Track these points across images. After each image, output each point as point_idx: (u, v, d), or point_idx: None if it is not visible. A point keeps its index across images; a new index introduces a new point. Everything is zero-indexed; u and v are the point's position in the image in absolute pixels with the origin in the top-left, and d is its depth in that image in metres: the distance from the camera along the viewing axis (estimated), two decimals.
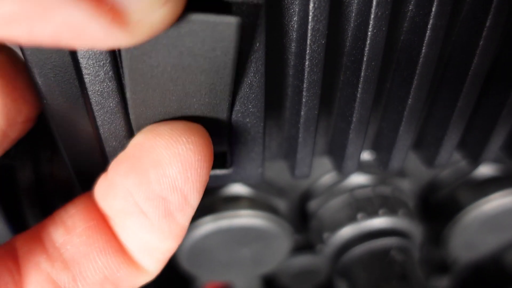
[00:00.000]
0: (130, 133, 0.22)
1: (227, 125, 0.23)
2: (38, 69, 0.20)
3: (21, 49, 0.19)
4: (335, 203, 0.35)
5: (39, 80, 0.20)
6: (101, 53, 0.19)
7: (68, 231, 0.20)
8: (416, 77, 0.23)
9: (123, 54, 0.18)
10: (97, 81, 0.20)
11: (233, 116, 0.22)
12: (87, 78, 0.20)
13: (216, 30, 0.17)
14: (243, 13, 0.19)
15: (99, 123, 0.22)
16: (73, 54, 0.20)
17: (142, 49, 0.18)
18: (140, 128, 0.22)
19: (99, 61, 0.20)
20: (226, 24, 0.17)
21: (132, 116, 0.21)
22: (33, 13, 0.13)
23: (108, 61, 0.20)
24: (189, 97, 0.20)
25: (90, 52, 0.19)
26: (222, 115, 0.22)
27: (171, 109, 0.21)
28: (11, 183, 0.28)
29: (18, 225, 0.28)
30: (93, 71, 0.20)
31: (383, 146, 0.27)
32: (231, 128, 0.23)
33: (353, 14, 0.21)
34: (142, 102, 0.20)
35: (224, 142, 0.24)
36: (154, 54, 0.18)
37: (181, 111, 0.21)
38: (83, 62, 0.20)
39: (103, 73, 0.20)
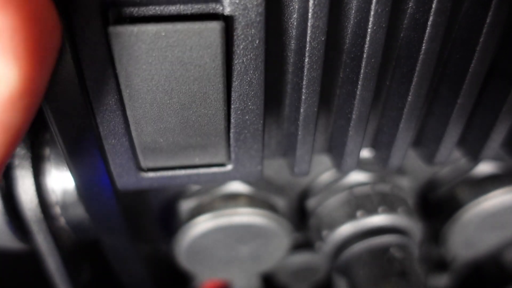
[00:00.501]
0: (129, 132, 0.22)
1: (226, 137, 0.23)
2: None
3: None
4: (334, 201, 0.35)
5: None
6: (102, 51, 0.19)
7: None
8: (416, 74, 0.23)
9: (118, 70, 0.19)
10: (96, 79, 0.20)
11: (232, 113, 0.22)
12: (86, 75, 0.20)
13: (202, 36, 0.18)
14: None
15: (98, 120, 0.22)
16: (74, 52, 0.19)
17: (136, 62, 0.18)
18: (144, 145, 0.22)
19: (98, 58, 0.20)
20: (210, 29, 0.18)
21: (134, 133, 0.22)
22: None
23: (107, 58, 0.20)
24: (186, 109, 0.21)
25: (90, 49, 0.19)
26: (220, 127, 0.22)
27: (170, 123, 0.21)
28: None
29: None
30: (93, 68, 0.20)
31: (382, 144, 0.27)
32: (230, 126, 0.23)
33: (353, 11, 0.21)
34: (142, 117, 0.21)
35: (224, 156, 0.24)
36: (146, 66, 0.19)
37: (180, 125, 0.21)
38: (82, 58, 0.20)
39: (102, 70, 0.20)
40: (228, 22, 0.19)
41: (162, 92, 0.20)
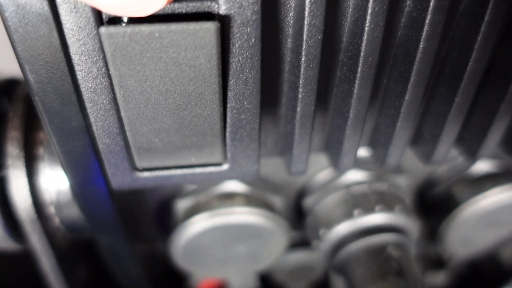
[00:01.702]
0: (123, 131, 0.22)
1: (222, 137, 0.23)
2: (29, 66, 0.19)
3: (13, 45, 0.19)
4: (332, 200, 0.35)
5: (31, 77, 0.20)
6: (93, 49, 0.19)
7: None
8: (413, 73, 0.22)
9: (112, 71, 0.19)
10: (90, 78, 0.20)
11: (228, 113, 0.22)
12: (79, 75, 0.20)
13: (197, 36, 0.18)
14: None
15: (92, 120, 0.22)
16: (65, 50, 0.19)
17: (130, 63, 0.18)
18: (138, 145, 0.22)
19: (92, 58, 0.20)
20: (205, 30, 0.18)
21: (128, 134, 0.22)
22: None
23: (101, 58, 0.19)
24: (181, 110, 0.21)
25: (83, 49, 0.19)
26: (216, 127, 0.22)
27: (165, 124, 0.21)
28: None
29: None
30: (86, 67, 0.20)
31: (380, 142, 0.27)
32: (226, 125, 0.23)
33: (350, 9, 0.21)
34: (136, 118, 0.21)
35: (220, 155, 0.24)
36: (141, 67, 0.18)
37: (175, 125, 0.21)
38: (75, 58, 0.19)
39: (96, 70, 0.20)
40: (223, 20, 0.19)
41: (156, 93, 0.20)
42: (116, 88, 0.20)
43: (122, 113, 0.21)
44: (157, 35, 0.18)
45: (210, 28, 0.18)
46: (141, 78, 0.19)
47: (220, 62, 0.19)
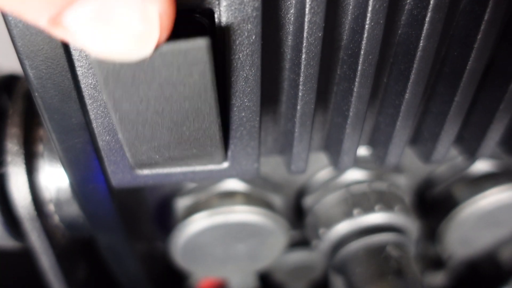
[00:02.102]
0: None
1: (222, 147, 0.23)
2: (29, 61, 0.19)
3: (12, 40, 0.19)
4: (331, 199, 0.35)
5: (31, 72, 0.20)
6: None
7: None
8: (413, 71, 0.22)
9: (105, 96, 0.18)
10: (90, 74, 0.20)
11: (229, 110, 0.22)
12: (80, 71, 0.20)
13: (188, 55, 0.17)
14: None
15: (92, 117, 0.22)
16: (65, 46, 0.19)
17: (123, 87, 0.18)
18: (140, 163, 0.22)
19: None
20: (197, 48, 0.17)
21: (128, 154, 0.21)
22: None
23: None
24: (179, 126, 0.20)
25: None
26: (215, 138, 0.22)
27: (164, 141, 0.21)
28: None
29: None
30: (86, 63, 0.20)
31: (379, 141, 0.27)
32: (226, 123, 0.23)
33: (351, 7, 0.21)
34: (135, 139, 0.21)
35: (220, 161, 0.24)
36: (135, 90, 0.18)
37: (174, 141, 0.21)
38: (75, 54, 0.19)
39: None
40: (223, 17, 0.19)
41: (153, 113, 0.19)
42: (111, 112, 0.19)
43: (120, 135, 0.20)
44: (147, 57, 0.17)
45: (201, 45, 0.17)
46: (135, 100, 0.19)
47: (214, 76, 0.18)
